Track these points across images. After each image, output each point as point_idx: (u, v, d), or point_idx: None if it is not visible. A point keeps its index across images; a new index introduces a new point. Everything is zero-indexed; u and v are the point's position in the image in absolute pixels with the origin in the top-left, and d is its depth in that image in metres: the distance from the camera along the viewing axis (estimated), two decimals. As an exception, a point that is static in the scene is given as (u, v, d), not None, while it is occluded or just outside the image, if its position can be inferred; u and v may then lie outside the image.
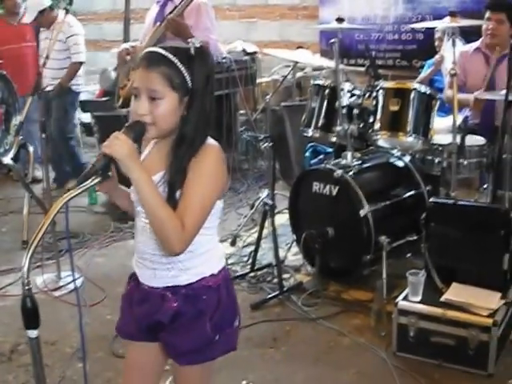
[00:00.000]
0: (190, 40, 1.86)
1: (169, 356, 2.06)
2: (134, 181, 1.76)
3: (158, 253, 1.91)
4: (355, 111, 4.11)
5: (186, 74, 1.80)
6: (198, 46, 1.84)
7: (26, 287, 1.63)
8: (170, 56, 1.80)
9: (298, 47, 7.00)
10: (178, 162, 1.82)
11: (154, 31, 4.37)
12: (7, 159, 4.01)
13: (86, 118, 6.88)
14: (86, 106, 6.80)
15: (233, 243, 4.60)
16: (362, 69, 4.55)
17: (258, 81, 6.69)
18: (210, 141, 1.88)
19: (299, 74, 6.78)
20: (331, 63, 5.37)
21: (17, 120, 4.16)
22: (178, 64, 1.80)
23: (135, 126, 1.80)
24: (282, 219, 4.63)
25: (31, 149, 4.17)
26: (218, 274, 1.98)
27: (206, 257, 1.96)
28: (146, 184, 1.76)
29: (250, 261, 4.19)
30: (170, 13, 4.34)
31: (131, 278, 2.07)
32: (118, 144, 1.72)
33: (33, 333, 1.65)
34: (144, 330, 2.01)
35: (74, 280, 2.17)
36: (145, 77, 1.80)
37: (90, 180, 1.74)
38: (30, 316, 1.65)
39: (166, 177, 1.84)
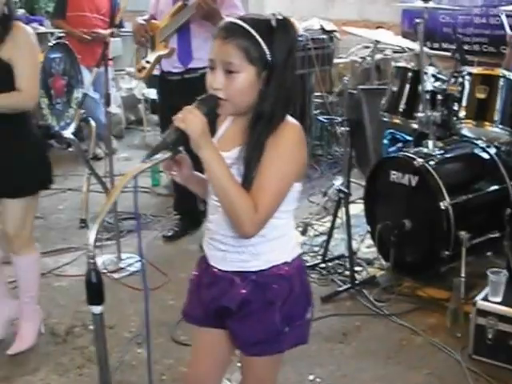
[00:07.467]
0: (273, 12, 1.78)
1: (235, 345, 2.02)
2: (205, 159, 1.71)
3: (230, 234, 1.85)
4: (439, 97, 4.04)
5: (264, 48, 1.74)
6: (280, 18, 1.76)
7: (92, 261, 1.58)
8: (249, 28, 1.73)
9: (378, 27, 6.79)
10: (254, 138, 1.76)
11: (176, 10, 4.03)
12: (68, 133, 3.84)
13: (152, 93, 6.59)
14: (150, 80, 6.03)
15: (304, 232, 4.52)
16: (447, 53, 4.40)
17: (335, 61, 6.49)
18: (291, 119, 1.81)
19: (378, 56, 6.56)
20: (414, 45, 5.19)
21: (79, 92, 4.01)
22: (257, 36, 1.73)
23: (208, 100, 1.74)
24: (356, 209, 4.52)
25: (93, 123, 4.02)
26: (291, 262, 1.92)
27: (280, 242, 1.90)
28: (217, 163, 1.72)
29: (322, 251, 4.13)
30: None
31: (201, 260, 2.03)
32: (192, 120, 1.66)
33: (97, 309, 1.61)
34: (211, 314, 1.97)
35: (140, 260, 2.09)
36: (221, 49, 1.74)
37: (160, 154, 1.67)
38: (95, 291, 1.61)
39: (243, 153, 1.78)
